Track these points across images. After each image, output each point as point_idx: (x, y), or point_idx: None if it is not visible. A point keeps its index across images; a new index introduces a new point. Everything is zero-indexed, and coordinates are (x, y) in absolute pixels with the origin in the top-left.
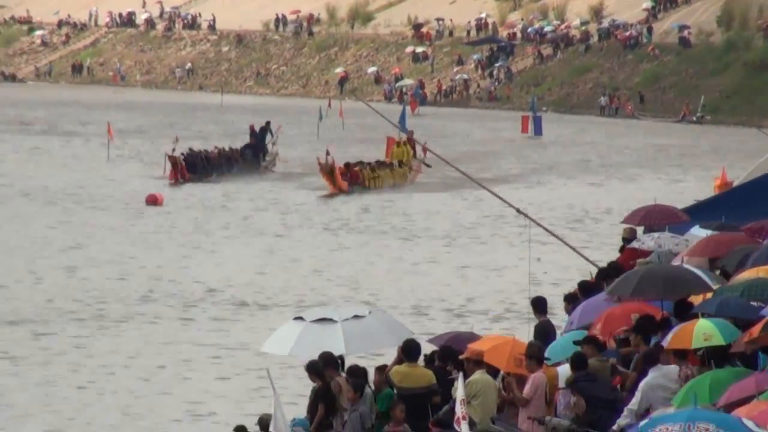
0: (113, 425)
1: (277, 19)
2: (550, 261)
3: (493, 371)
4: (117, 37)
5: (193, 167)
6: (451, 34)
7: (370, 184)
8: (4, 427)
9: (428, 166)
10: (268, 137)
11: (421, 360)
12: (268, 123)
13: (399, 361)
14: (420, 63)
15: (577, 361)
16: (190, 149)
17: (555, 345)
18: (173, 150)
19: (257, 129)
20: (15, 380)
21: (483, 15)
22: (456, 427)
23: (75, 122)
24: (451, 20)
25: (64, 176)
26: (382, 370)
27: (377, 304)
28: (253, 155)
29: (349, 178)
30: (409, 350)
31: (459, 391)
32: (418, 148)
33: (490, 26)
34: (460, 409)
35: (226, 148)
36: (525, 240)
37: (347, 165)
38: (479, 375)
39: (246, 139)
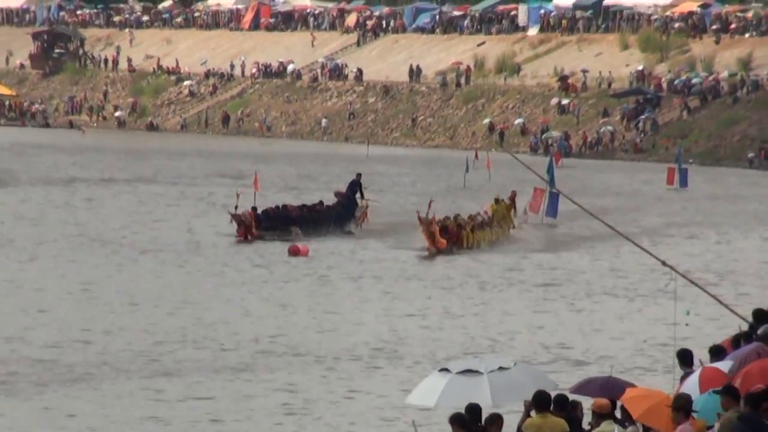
0: None
1: (411, 71)
2: (695, 315)
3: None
4: (263, 88)
5: (268, 224)
6: (609, 85)
7: (471, 244)
8: None
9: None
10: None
11: None
12: (358, 176)
13: (527, 414)
14: (566, 114)
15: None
16: (268, 208)
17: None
18: (236, 207)
19: (344, 188)
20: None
21: (641, 67)
22: None
23: (221, 173)
24: (600, 72)
25: (207, 226)
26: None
27: (515, 355)
28: (344, 210)
29: (448, 238)
30: (539, 401)
31: None
32: (521, 207)
33: (646, 78)
34: None
35: (311, 203)
36: (669, 293)
37: (444, 226)
38: (605, 426)
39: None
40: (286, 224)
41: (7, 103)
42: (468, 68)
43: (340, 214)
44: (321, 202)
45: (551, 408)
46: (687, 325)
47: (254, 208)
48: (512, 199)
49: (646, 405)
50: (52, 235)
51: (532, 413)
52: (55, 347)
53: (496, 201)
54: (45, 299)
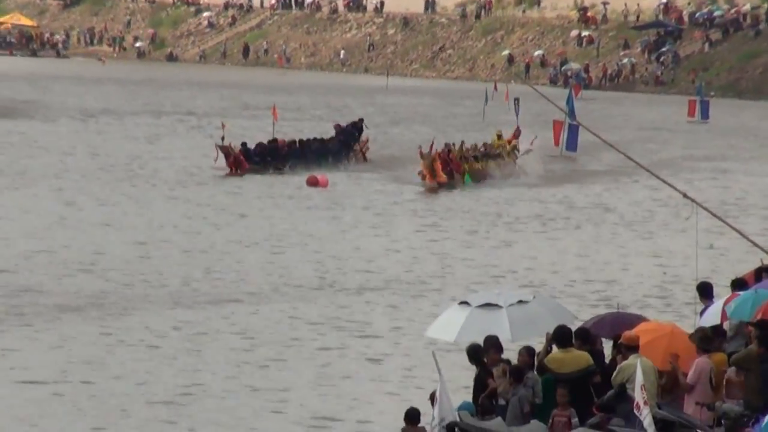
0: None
1: (426, 2)
2: (716, 247)
3: None
4: (282, 19)
5: (258, 158)
6: (638, 18)
7: (474, 175)
8: None
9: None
10: (363, 134)
11: None
12: (361, 120)
13: (549, 348)
14: (585, 47)
15: None
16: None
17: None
18: (222, 139)
19: (344, 125)
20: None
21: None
22: (636, 413)
23: (240, 105)
24: (625, 4)
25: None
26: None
27: (539, 290)
28: (341, 147)
29: (450, 170)
30: (561, 336)
31: (638, 377)
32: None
33: (669, 10)
34: (640, 395)
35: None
36: (690, 226)
37: (447, 152)
38: (632, 359)
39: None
40: (276, 158)
41: (27, 34)
42: (488, 2)
43: (338, 148)
44: (320, 139)
45: (573, 342)
46: (710, 256)
47: (244, 143)
48: (515, 137)
49: (644, 340)
50: (60, 165)
51: (554, 347)
52: (53, 277)
53: (498, 136)
54: (45, 228)
